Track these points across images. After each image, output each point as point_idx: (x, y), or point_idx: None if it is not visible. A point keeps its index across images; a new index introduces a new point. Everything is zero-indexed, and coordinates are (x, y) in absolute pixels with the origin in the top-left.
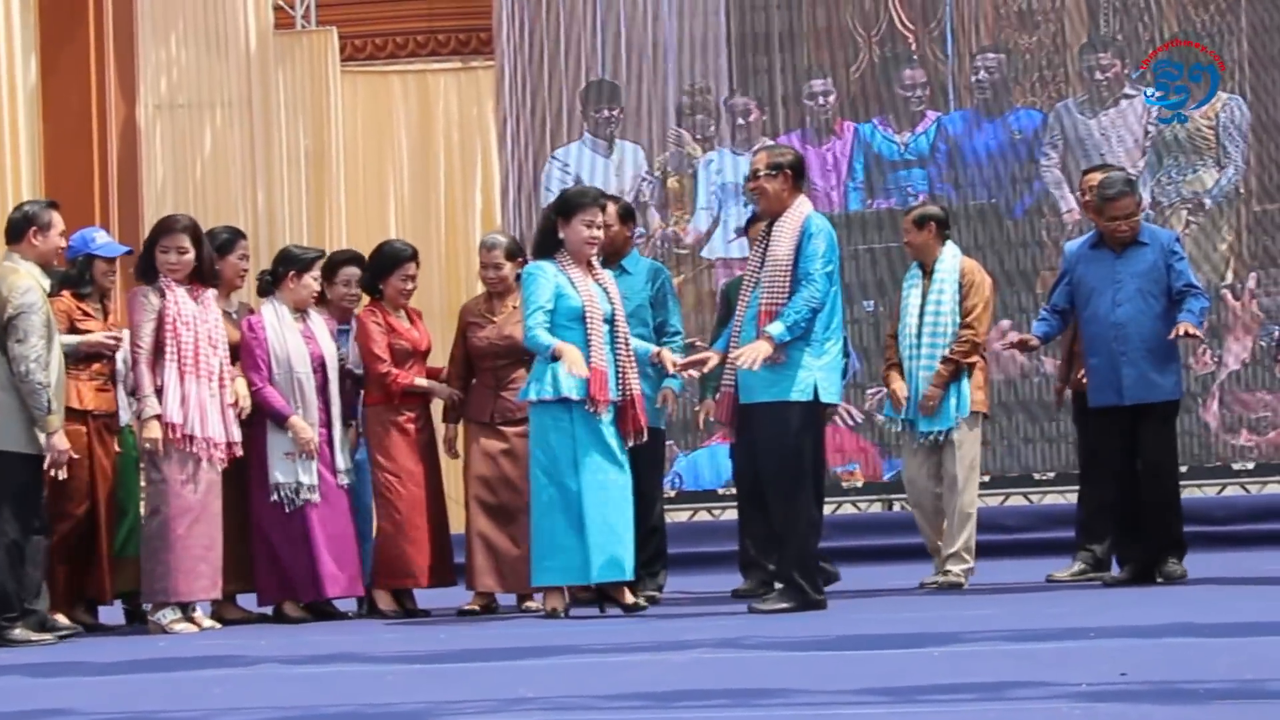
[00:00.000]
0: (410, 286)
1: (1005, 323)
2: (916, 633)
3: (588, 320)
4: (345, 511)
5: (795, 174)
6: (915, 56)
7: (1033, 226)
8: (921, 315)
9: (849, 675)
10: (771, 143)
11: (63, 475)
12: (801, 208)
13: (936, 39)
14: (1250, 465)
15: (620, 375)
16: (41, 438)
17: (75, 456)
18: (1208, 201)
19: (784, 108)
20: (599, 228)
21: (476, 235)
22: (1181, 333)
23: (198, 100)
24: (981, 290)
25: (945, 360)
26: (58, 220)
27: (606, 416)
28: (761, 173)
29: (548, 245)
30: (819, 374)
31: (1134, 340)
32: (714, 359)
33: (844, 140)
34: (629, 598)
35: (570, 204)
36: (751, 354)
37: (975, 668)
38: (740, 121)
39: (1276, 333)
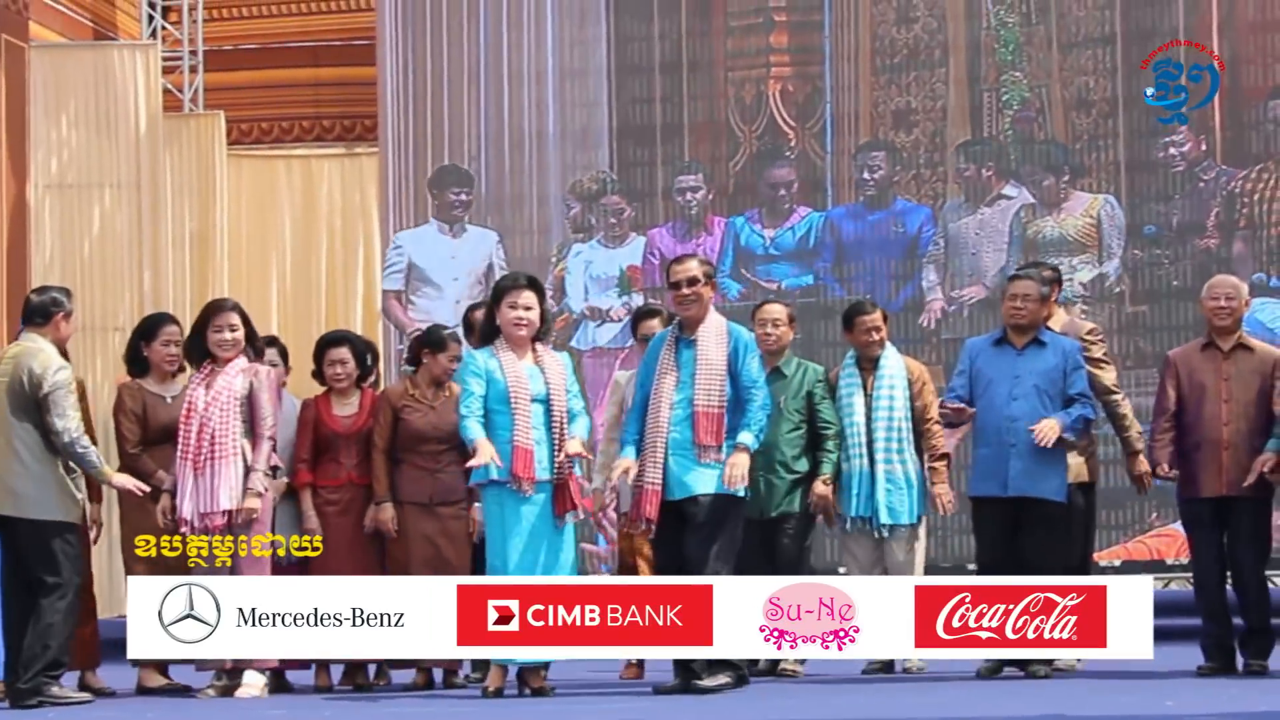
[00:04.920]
0: (338, 371)
1: None
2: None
3: (513, 401)
4: None
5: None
6: (789, 154)
7: (909, 322)
8: (870, 413)
9: None
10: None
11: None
12: (716, 313)
13: (816, 135)
14: (1118, 564)
15: (555, 455)
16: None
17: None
18: (1085, 295)
19: (661, 200)
20: (525, 308)
21: (358, 317)
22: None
23: (87, 180)
24: (931, 387)
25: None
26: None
27: (535, 495)
28: (701, 280)
29: (488, 332)
30: None
31: (1025, 435)
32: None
33: (714, 235)
34: (539, 681)
35: (497, 289)
36: (739, 471)
37: None
38: (613, 220)
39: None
